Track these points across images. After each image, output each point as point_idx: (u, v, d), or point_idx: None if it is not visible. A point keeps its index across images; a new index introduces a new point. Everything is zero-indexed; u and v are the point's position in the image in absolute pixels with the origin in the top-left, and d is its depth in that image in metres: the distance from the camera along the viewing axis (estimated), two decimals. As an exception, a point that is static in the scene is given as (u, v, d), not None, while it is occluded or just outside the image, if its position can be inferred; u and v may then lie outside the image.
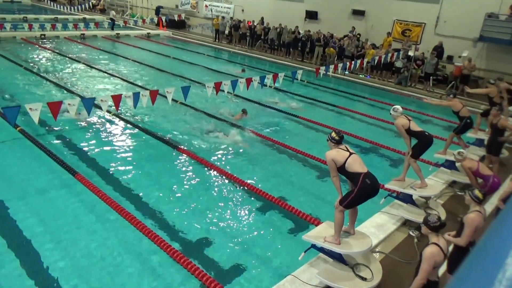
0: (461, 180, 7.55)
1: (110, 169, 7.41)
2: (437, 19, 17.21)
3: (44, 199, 6.29)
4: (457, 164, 7.85)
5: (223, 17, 24.25)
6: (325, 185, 7.30)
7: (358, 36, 18.70)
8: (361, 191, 4.50)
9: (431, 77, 15.72)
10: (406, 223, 6.11)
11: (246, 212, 6.34)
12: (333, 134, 4.83)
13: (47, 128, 8.95)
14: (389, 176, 7.19)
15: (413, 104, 14.42)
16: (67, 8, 31.54)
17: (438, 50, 16.15)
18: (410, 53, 16.50)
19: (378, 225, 5.94)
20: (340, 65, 12.65)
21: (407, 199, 6.39)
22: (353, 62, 13.53)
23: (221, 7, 25.99)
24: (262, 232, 5.88)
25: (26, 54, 16.45)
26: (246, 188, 6.98)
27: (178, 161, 7.96)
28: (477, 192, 4.39)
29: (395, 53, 15.60)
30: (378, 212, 6.33)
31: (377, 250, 5.40)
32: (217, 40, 23.44)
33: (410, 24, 18.23)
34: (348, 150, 4.70)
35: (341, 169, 4.63)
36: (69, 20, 25.51)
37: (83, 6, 31.87)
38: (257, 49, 21.50)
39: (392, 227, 5.95)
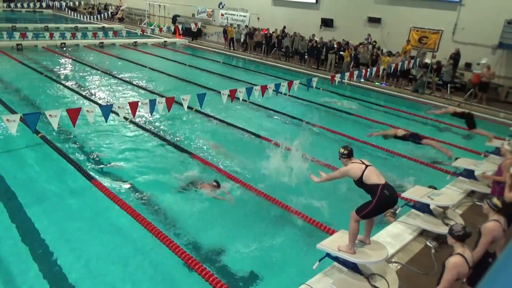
0: (480, 190, 7.37)
1: (126, 175, 7.49)
2: (455, 26, 16.99)
3: (61, 203, 6.40)
4: (476, 174, 7.69)
5: (238, 25, 24.47)
6: (340, 193, 7.22)
7: (374, 43, 18.60)
8: (379, 203, 4.45)
9: (448, 85, 15.48)
10: (423, 233, 5.99)
11: (260, 220, 6.31)
12: (341, 150, 4.86)
13: (66, 134, 9.13)
14: (405, 185, 7.09)
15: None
16: (86, 17, 32.35)
17: (455, 57, 15.92)
18: (427, 61, 16.31)
19: (394, 235, 5.83)
20: (356, 72, 12.58)
21: (424, 208, 6.27)
22: (368, 69, 13.46)
23: (237, 15, 26.25)
24: (276, 240, 5.84)
25: (47, 62, 16.89)
26: (260, 196, 6.96)
27: (192, 167, 7.99)
28: (495, 200, 4.28)
29: (412, 61, 15.44)
30: (395, 221, 6.23)
31: (393, 260, 5.30)
32: (231, 48, 23.63)
33: (427, 31, 18.04)
34: (363, 163, 4.66)
35: (359, 182, 4.61)
36: (89, 29, 26.08)
37: (102, 15, 32.64)
38: (272, 56, 21.58)
39: (409, 237, 5.83)
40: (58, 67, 16.39)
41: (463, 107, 14.46)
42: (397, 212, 6.53)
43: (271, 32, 22.08)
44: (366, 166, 4.61)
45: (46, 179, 7.14)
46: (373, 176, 4.54)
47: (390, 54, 17.33)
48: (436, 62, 15.91)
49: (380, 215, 5.02)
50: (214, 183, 7.03)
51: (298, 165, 8.43)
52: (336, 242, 4.80)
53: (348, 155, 4.81)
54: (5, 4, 34.15)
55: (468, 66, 16.69)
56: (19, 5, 33.95)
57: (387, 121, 12.27)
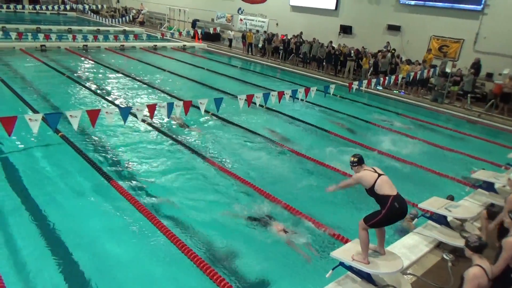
0: (500, 203, 7.19)
1: (143, 176, 7.58)
2: (477, 35, 16.71)
3: (79, 203, 6.52)
4: (496, 186, 7.52)
5: (257, 31, 24.58)
6: (355, 202, 7.16)
7: (393, 51, 18.44)
8: (388, 214, 4.42)
9: (469, 95, 15.20)
10: (439, 246, 5.87)
11: (273, 226, 6.28)
12: (352, 159, 4.86)
13: (85, 134, 9.29)
14: (422, 195, 6.96)
15: (450, 122, 14.00)
16: (108, 20, 33.01)
17: (475, 67, 15.64)
18: (447, 70, 16.07)
19: (410, 246, 5.74)
20: (374, 80, 12.48)
21: (441, 220, 6.15)
22: (387, 77, 13.33)
23: (256, 20, 26.39)
24: (289, 247, 5.81)
25: (69, 63, 17.27)
26: (274, 202, 6.93)
27: (207, 172, 8.03)
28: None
29: (431, 70, 15.24)
30: (410, 232, 6.13)
31: (408, 272, 5.21)
32: (249, 53, 23.76)
33: (447, 40, 17.79)
34: (376, 171, 4.62)
35: (370, 190, 4.58)
36: (110, 32, 26.60)
37: (123, 18, 33.26)
38: (290, 62, 21.60)
39: (425, 249, 5.73)
40: (80, 68, 16.75)
41: (484, 118, 14.20)
42: (415, 219, 6.45)
43: (289, 37, 22.11)
44: (379, 175, 4.57)
45: (65, 178, 7.27)
46: (385, 187, 4.49)
47: (409, 62, 17.15)
48: (456, 71, 15.64)
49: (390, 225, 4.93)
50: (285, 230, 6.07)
51: (312, 171, 8.40)
52: (350, 251, 4.75)
53: (359, 162, 4.79)
54: (31, 6, 35.19)
55: (489, 76, 16.37)
56: (44, 7, 34.88)
57: (404, 130, 12.12)
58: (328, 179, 8.14)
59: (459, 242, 5.52)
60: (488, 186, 7.67)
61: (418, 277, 5.12)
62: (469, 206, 6.66)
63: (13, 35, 18.20)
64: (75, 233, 5.68)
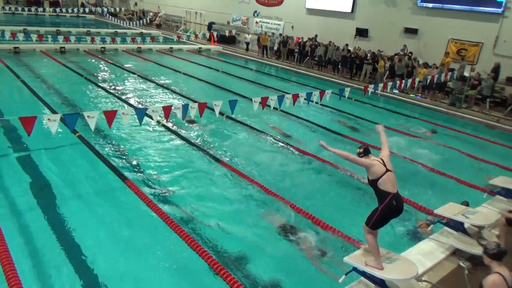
0: (520, 211, 7.01)
1: (157, 176, 7.65)
2: (496, 39, 16.38)
3: (94, 202, 6.63)
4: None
5: (272, 33, 24.62)
6: (368, 205, 7.07)
7: (409, 54, 18.22)
8: (385, 211, 4.47)
9: (487, 99, 14.88)
10: (456, 253, 5.75)
11: (286, 231, 6.26)
12: (358, 150, 4.80)
13: (102, 134, 9.44)
14: (437, 201, 6.84)
15: (468, 126, 13.74)
16: (126, 23, 33.56)
17: (495, 71, 15.31)
18: (466, 74, 15.78)
19: (425, 253, 5.64)
20: (390, 83, 12.34)
21: (458, 227, 6.02)
22: (403, 81, 13.17)
23: (271, 23, 26.43)
24: (302, 251, 5.79)
25: (87, 65, 17.60)
26: (287, 206, 6.89)
27: (219, 174, 8.04)
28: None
29: (449, 73, 14.99)
30: (426, 238, 6.03)
31: (423, 278, 5.12)
32: (265, 56, 23.78)
33: (466, 44, 17.48)
34: (385, 166, 4.57)
35: (373, 182, 4.57)
36: (128, 34, 27.02)
37: (141, 21, 33.75)
38: (305, 65, 21.55)
39: (441, 256, 5.62)
40: (98, 70, 17.04)
41: (503, 123, 13.89)
42: (431, 225, 6.34)
43: (304, 40, 22.06)
44: (387, 170, 4.54)
45: (81, 178, 7.39)
46: (389, 184, 4.49)
47: (426, 65, 16.91)
48: (475, 75, 15.36)
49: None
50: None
51: (325, 173, 8.35)
52: (363, 256, 4.70)
53: (365, 152, 4.74)
54: (51, 9, 36.09)
55: (509, 80, 16.01)
56: (64, 10, 35.73)
57: (421, 134, 11.95)
58: (341, 182, 8.09)
59: (477, 250, 5.40)
60: (507, 193, 7.50)
61: (433, 284, 5.02)
62: (487, 213, 6.50)
63: (34, 37, 18.68)
64: (86, 232, 5.77)
